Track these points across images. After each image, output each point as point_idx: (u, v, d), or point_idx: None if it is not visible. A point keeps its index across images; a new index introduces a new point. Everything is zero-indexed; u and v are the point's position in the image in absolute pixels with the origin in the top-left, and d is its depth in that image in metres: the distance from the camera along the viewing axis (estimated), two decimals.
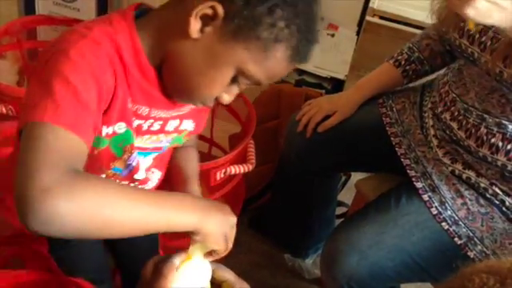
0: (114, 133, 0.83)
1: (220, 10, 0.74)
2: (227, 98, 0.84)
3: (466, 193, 1.18)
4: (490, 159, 1.13)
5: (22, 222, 0.63)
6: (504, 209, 1.15)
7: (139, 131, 0.87)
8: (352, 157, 1.42)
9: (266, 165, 1.76)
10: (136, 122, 0.86)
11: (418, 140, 1.28)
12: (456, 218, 1.17)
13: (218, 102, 0.84)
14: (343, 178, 1.89)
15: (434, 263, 1.18)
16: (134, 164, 0.92)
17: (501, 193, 1.15)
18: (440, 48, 1.34)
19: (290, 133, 1.47)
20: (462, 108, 1.17)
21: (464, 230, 1.16)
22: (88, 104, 0.71)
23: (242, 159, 1.46)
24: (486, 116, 1.12)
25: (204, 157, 1.83)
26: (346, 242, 1.21)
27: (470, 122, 1.15)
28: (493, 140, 1.12)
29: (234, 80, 0.80)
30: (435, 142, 1.24)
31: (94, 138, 0.75)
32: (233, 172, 1.40)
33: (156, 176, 1.00)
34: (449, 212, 1.17)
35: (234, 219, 0.83)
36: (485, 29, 1.09)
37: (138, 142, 0.89)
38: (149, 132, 0.89)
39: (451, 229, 1.17)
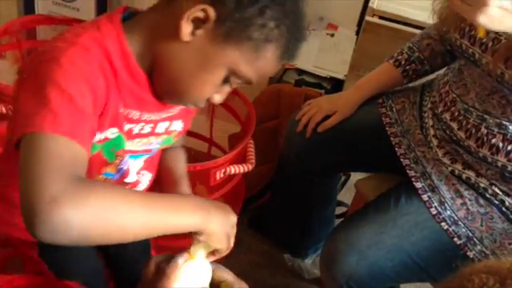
0: (106, 138, 0.83)
1: (211, 12, 0.74)
2: (219, 98, 0.84)
3: (465, 193, 1.18)
4: (490, 160, 1.13)
5: (30, 231, 0.63)
6: (504, 209, 1.15)
7: (130, 135, 0.87)
8: (352, 157, 1.42)
9: (266, 165, 1.76)
10: (127, 126, 0.85)
11: (417, 140, 1.28)
12: (455, 218, 1.17)
13: (209, 102, 0.84)
14: (343, 178, 1.89)
15: (434, 263, 1.18)
16: (125, 168, 0.92)
17: (500, 193, 1.15)
18: (440, 48, 1.34)
19: (289, 133, 1.47)
20: (462, 108, 1.17)
21: (463, 230, 1.16)
22: (84, 110, 0.71)
23: (241, 159, 1.46)
24: (486, 117, 1.12)
25: (203, 157, 1.84)
26: (345, 242, 1.21)
27: (471, 122, 1.15)
28: (493, 141, 1.12)
29: (226, 80, 0.81)
30: (435, 142, 1.24)
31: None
32: (232, 172, 1.40)
33: (146, 178, 1.00)
34: (448, 212, 1.17)
35: (234, 218, 0.84)
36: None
37: (129, 145, 0.89)
38: (140, 135, 0.89)
39: (451, 229, 1.17)
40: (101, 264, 1.17)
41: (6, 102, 1.29)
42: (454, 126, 1.18)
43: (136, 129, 0.87)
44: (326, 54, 1.91)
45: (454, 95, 1.20)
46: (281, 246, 1.79)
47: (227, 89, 0.84)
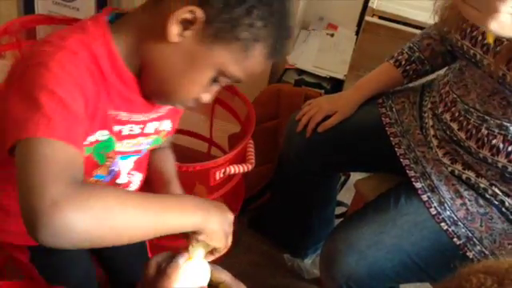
0: (97, 141, 0.83)
1: (199, 14, 0.74)
2: (207, 98, 0.84)
3: (465, 193, 1.18)
4: (490, 160, 1.13)
5: (31, 235, 0.63)
6: (503, 209, 1.15)
7: (120, 136, 0.87)
8: (351, 157, 1.42)
9: (266, 165, 1.76)
10: (116, 128, 0.86)
11: (417, 140, 1.28)
12: (455, 218, 1.17)
13: (198, 101, 0.85)
14: (342, 178, 1.89)
15: (433, 263, 1.18)
16: (116, 169, 0.93)
17: (500, 193, 1.15)
18: (441, 48, 1.34)
19: (289, 132, 1.47)
20: (462, 109, 1.17)
21: (463, 230, 1.16)
22: (77, 114, 0.72)
23: (241, 159, 1.46)
24: (487, 117, 1.12)
25: (203, 156, 1.84)
26: (344, 242, 1.21)
27: (471, 123, 1.15)
28: (494, 141, 1.11)
29: (214, 80, 0.81)
30: (435, 142, 1.24)
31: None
32: (232, 172, 1.40)
33: (137, 178, 1.01)
34: (448, 212, 1.17)
35: (231, 216, 0.85)
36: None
37: (119, 146, 0.89)
38: (129, 136, 0.90)
39: (450, 229, 1.17)
40: (94, 267, 1.17)
41: None
42: (455, 126, 1.18)
43: (125, 130, 0.88)
44: (325, 53, 1.91)
45: (455, 96, 1.20)
46: (280, 246, 1.79)
47: (216, 88, 0.84)
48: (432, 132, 1.25)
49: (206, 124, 1.86)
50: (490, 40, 0.96)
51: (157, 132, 0.95)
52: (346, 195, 1.86)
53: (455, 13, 1.14)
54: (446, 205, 1.18)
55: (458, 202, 1.18)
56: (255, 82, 1.87)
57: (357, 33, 2.06)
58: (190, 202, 0.78)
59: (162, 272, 0.76)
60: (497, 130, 1.11)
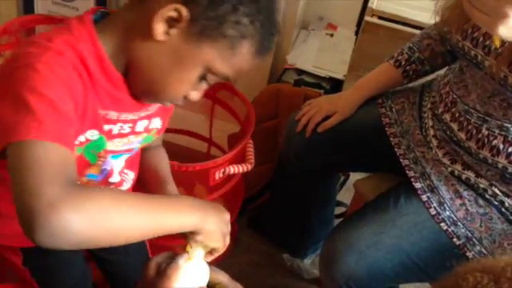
0: (87, 140, 0.83)
1: (184, 11, 0.74)
2: (196, 96, 0.84)
3: (464, 193, 1.18)
4: (490, 161, 1.13)
5: (29, 237, 0.63)
6: (503, 210, 1.15)
7: (110, 135, 0.87)
8: (351, 157, 1.42)
9: (265, 165, 1.76)
10: (106, 127, 0.86)
11: (417, 140, 1.28)
12: (455, 218, 1.17)
13: (186, 99, 0.84)
14: (342, 178, 1.89)
15: (433, 263, 1.18)
16: (108, 168, 0.93)
17: (500, 194, 1.15)
18: (441, 48, 1.34)
19: (289, 132, 1.47)
20: (462, 110, 1.17)
21: (463, 230, 1.16)
22: (67, 114, 0.71)
23: (240, 159, 1.46)
24: (487, 118, 1.12)
25: (203, 156, 1.84)
26: (344, 242, 1.21)
27: (471, 123, 1.15)
28: (494, 142, 1.11)
29: (202, 77, 0.81)
30: (435, 142, 1.24)
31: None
32: (232, 172, 1.40)
33: (130, 177, 1.01)
34: (447, 212, 1.17)
35: (228, 216, 0.85)
36: (488, 33, 1.08)
37: (110, 145, 0.89)
38: (119, 135, 0.90)
39: (450, 229, 1.17)
40: (89, 270, 1.17)
41: None
42: (455, 126, 1.18)
43: (115, 129, 0.88)
44: (325, 53, 1.91)
45: (455, 96, 1.19)
46: (280, 246, 1.79)
47: (204, 86, 0.84)
48: (432, 132, 1.25)
49: (205, 124, 1.87)
50: (497, 43, 0.96)
51: (147, 130, 0.95)
52: (345, 195, 1.86)
53: (457, 13, 1.14)
54: (445, 205, 1.18)
55: (458, 202, 1.18)
56: (255, 81, 1.87)
57: (356, 33, 2.05)
58: (187, 202, 0.78)
59: (162, 273, 0.76)
60: (497, 131, 1.11)
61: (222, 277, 0.83)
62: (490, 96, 1.12)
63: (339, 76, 1.83)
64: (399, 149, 1.30)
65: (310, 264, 1.75)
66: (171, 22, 0.75)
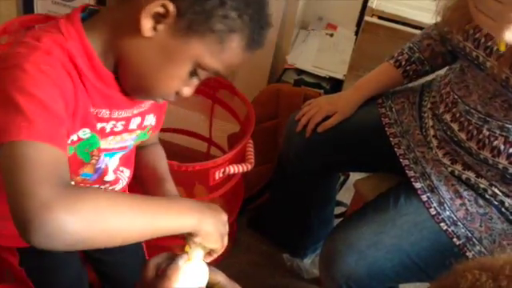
0: (80, 139, 0.83)
1: (171, 7, 0.73)
2: (188, 91, 0.84)
3: (464, 193, 1.18)
4: (490, 162, 1.13)
5: (24, 238, 0.63)
6: (503, 209, 1.15)
7: (103, 133, 0.87)
8: (351, 157, 1.42)
9: (265, 164, 1.76)
10: (99, 125, 0.85)
11: (417, 140, 1.28)
12: (455, 218, 1.17)
13: (178, 95, 0.84)
14: (342, 178, 1.89)
15: (433, 263, 1.18)
16: (102, 167, 0.92)
17: (500, 194, 1.15)
18: (441, 48, 1.34)
19: (289, 132, 1.47)
20: (463, 110, 1.17)
21: (463, 230, 1.16)
22: (58, 114, 0.71)
23: (240, 159, 1.46)
24: (488, 119, 1.12)
25: (203, 156, 1.84)
26: (344, 242, 1.21)
27: (472, 123, 1.14)
28: (495, 143, 1.11)
29: (193, 73, 0.80)
30: (435, 142, 1.24)
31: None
32: (232, 172, 1.40)
33: (125, 175, 1.00)
34: (447, 212, 1.17)
35: (225, 217, 0.85)
36: (490, 34, 1.08)
37: (103, 144, 0.89)
38: (112, 133, 0.89)
39: (450, 229, 1.17)
40: (85, 271, 1.16)
41: None
42: (455, 127, 1.18)
43: (108, 127, 0.87)
44: (325, 53, 1.91)
45: (456, 96, 1.19)
46: (280, 246, 1.78)
47: (195, 81, 0.83)
48: (432, 132, 1.25)
49: (205, 124, 1.87)
50: (503, 48, 0.95)
51: (140, 127, 0.94)
52: (345, 195, 1.86)
53: (458, 14, 1.14)
54: (445, 205, 1.18)
55: (458, 202, 1.18)
56: (254, 81, 1.87)
57: (356, 33, 2.05)
58: (184, 204, 0.78)
59: (162, 273, 0.76)
60: (498, 132, 1.11)
61: (220, 277, 0.83)
62: (491, 97, 1.12)
63: (339, 76, 1.83)
64: (399, 149, 1.30)
65: (309, 264, 1.75)
66: (158, 18, 0.75)
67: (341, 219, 1.62)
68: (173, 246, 1.15)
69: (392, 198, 1.23)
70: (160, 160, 1.04)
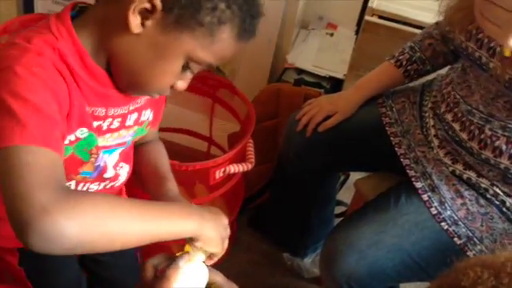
0: (77, 139, 0.83)
1: (157, 2, 0.73)
2: (182, 85, 0.83)
3: (465, 193, 1.18)
4: (492, 162, 1.13)
5: (23, 243, 0.63)
6: (504, 209, 1.15)
7: (100, 131, 0.87)
8: (351, 156, 1.42)
9: (265, 164, 1.76)
10: (95, 124, 0.85)
11: (417, 140, 1.28)
12: (455, 218, 1.17)
13: (173, 89, 0.84)
14: (342, 178, 1.89)
15: (434, 263, 1.18)
16: (102, 164, 0.92)
17: (501, 193, 1.15)
18: (443, 48, 1.34)
19: (289, 132, 1.47)
20: (465, 110, 1.17)
21: (463, 230, 1.16)
22: (51, 116, 0.71)
23: (241, 158, 1.46)
24: (490, 119, 1.12)
25: (203, 156, 1.84)
26: (345, 242, 1.21)
27: (474, 123, 1.14)
28: (497, 143, 1.11)
29: (186, 66, 0.80)
30: (436, 142, 1.24)
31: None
32: (232, 171, 1.40)
33: (125, 170, 1.00)
34: (448, 212, 1.17)
35: (226, 220, 0.85)
36: None
37: (101, 141, 0.88)
38: (109, 131, 0.89)
39: (451, 229, 1.17)
40: (83, 273, 1.16)
41: None
42: (457, 126, 1.18)
43: (105, 125, 0.87)
44: (325, 53, 1.91)
45: (458, 96, 1.19)
46: (280, 245, 1.78)
47: (189, 75, 0.83)
48: (433, 132, 1.25)
49: (205, 123, 1.87)
50: (507, 53, 0.95)
51: (138, 123, 0.94)
52: (345, 194, 1.86)
53: (461, 14, 1.13)
54: (446, 204, 1.18)
55: (459, 201, 1.18)
56: (255, 81, 1.87)
57: (356, 32, 2.05)
58: (185, 209, 0.78)
59: (162, 274, 0.76)
60: (500, 132, 1.11)
61: (217, 276, 0.83)
62: (493, 97, 1.12)
63: (339, 75, 1.83)
64: (400, 148, 1.30)
65: (310, 263, 1.75)
66: (146, 14, 0.74)
67: (341, 219, 1.61)
68: (172, 244, 1.14)
69: (393, 198, 1.23)
70: (162, 158, 1.04)
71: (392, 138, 1.32)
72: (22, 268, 1.03)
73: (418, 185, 1.21)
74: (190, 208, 0.79)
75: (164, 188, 0.96)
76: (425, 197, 1.19)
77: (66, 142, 0.80)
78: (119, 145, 0.93)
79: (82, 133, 0.83)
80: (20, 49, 0.73)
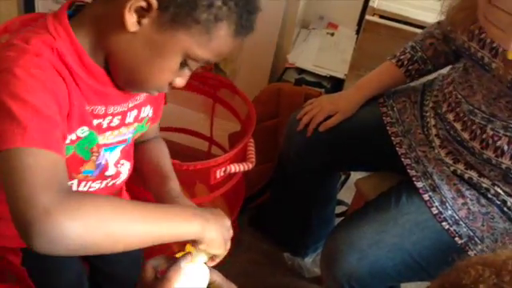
0: (78, 138, 0.83)
1: (153, 1, 0.73)
2: (180, 82, 0.84)
3: (466, 193, 1.17)
4: (494, 162, 1.13)
5: (28, 244, 0.63)
6: (505, 209, 1.15)
7: (100, 130, 0.87)
8: (352, 156, 1.42)
9: (266, 163, 1.76)
10: (95, 122, 0.85)
11: (418, 140, 1.28)
12: (457, 217, 1.17)
13: (172, 86, 0.84)
14: (343, 177, 1.89)
15: (435, 262, 1.18)
16: (103, 162, 0.92)
17: (503, 193, 1.15)
18: (444, 48, 1.33)
19: (289, 131, 1.47)
20: (467, 110, 1.16)
21: (464, 229, 1.16)
22: (51, 118, 0.71)
23: (241, 158, 1.46)
24: (492, 119, 1.12)
25: (204, 155, 1.84)
26: (345, 241, 1.21)
27: (476, 123, 1.14)
28: (498, 143, 1.11)
29: (184, 64, 0.80)
30: (437, 141, 1.24)
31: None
32: (233, 170, 1.40)
33: (126, 168, 1.00)
34: (449, 212, 1.17)
35: (228, 222, 0.85)
36: None
37: (101, 139, 0.88)
38: (110, 128, 0.89)
39: (452, 228, 1.17)
40: (86, 273, 1.16)
41: None
42: (458, 126, 1.18)
43: (105, 123, 0.87)
44: (326, 53, 1.91)
45: (460, 96, 1.19)
46: (281, 245, 1.78)
47: (187, 72, 0.83)
48: (434, 131, 1.25)
49: (206, 123, 1.87)
50: (510, 57, 0.95)
51: (137, 120, 0.94)
52: (346, 194, 1.86)
53: (464, 14, 1.13)
54: (447, 204, 1.18)
55: (460, 201, 1.17)
56: (255, 80, 1.87)
57: (357, 32, 2.06)
58: (188, 211, 0.78)
59: (163, 274, 0.76)
60: (502, 132, 1.11)
61: (216, 276, 0.83)
62: (495, 97, 1.11)
63: (340, 75, 1.83)
64: (401, 148, 1.30)
65: (310, 263, 1.75)
66: (142, 12, 0.74)
67: (342, 218, 1.61)
68: (173, 243, 1.14)
69: (393, 197, 1.23)
70: (164, 157, 1.04)
71: (393, 138, 1.32)
72: (25, 268, 1.03)
73: (419, 184, 1.21)
74: (193, 210, 0.79)
75: (166, 187, 0.97)
76: (426, 196, 1.19)
77: (67, 141, 0.81)
78: (120, 142, 0.94)
79: (83, 132, 0.83)
80: (18, 50, 0.73)
